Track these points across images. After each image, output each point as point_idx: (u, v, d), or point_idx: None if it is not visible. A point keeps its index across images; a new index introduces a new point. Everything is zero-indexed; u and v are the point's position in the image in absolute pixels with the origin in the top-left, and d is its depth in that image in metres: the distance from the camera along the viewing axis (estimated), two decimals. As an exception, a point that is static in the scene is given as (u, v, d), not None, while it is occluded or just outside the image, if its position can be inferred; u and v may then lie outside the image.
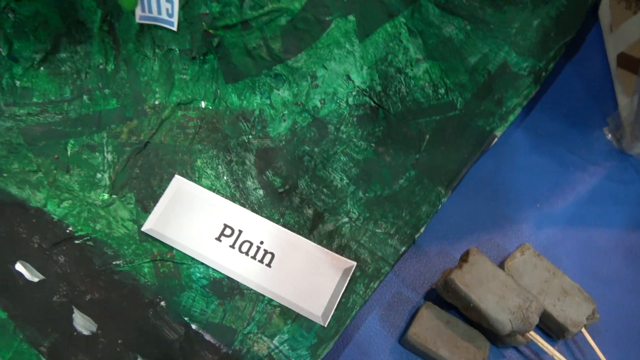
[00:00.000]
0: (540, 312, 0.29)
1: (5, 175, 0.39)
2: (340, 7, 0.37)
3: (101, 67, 0.42)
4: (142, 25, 0.40)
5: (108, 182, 0.39)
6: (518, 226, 0.35)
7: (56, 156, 0.40)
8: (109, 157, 0.39)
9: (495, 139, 0.38)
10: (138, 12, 0.39)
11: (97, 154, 0.40)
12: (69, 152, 0.40)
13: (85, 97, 0.42)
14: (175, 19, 0.38)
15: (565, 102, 0.40)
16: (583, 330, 0.30)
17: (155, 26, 0.40)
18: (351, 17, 0.38)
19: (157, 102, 0.41)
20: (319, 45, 0.38)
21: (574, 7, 0.42)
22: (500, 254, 0.34)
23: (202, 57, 0.39)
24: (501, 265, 0.32)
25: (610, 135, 0.39)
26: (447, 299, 0.30)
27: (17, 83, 0.42)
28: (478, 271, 0.29)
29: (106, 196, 0.38)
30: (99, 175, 0.39)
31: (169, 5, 0.38)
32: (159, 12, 0.39)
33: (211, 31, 0.37)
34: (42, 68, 0.43)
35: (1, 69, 0.42)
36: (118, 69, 0.41)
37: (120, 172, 0.39)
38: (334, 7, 0.37)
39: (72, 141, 0.40)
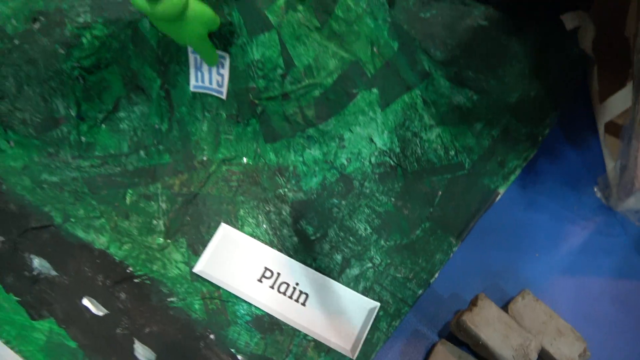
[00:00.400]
0: (538, 350, 0.34)
1: (72, 220, 0.45)
2: (366, 82, 0.44)
3: (157, 126, 0.48)
4: (194, 92, 0.46)
5: (163, 228, 0.44)
6: (519, 273, 0.41)
7: (117, 204, 0.46)
8: (163, 205, 0.45)
9: (499, 196, 0.44)
10: (192, 81, 0.46)
11: (153, 202, 0.46)
12: (127, 201, 0.46)
13: (141, 152, 0.48)
14: (224, 90, 0.45)
15: (560, 164, 0.46)
16: (576, 366, 0.35)
17: (206, 94, 0.46)
18: (374, 90, 0.44)
19: (205, 158, 0.47)
20: (346, 112, 0.45)
21: (566, 81, 0.49)
22: (504, 298, 0.39)
23: (246, 121, 0.46)
24: (505, 308, 0.37)
25: (599, 194, 0.44)
26: (460, 337, 0.35)
27: (83, 139, 0.49)
28: (486, 314, 0.34)
29: (161, 240, 0.44)
30: (154, 222, 0.45)
31: (219, 78, 0.45)
32: (210, 83, 0.45)
33: (256, 101, 0.44)
34: (103, 125, 0.49)
35: (70, 127, 0.48)
36: (171, 129, 0.48)
37: (173, 219, 0.45)
38: (360, 82, 0.44)
39: (130, 191, 0.47)
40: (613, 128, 0.46)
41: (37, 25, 0.45)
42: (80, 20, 0.45)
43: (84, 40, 0.45)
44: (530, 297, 0.37)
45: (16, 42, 0.45)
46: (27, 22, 0.45)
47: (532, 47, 0.50)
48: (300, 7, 0.39)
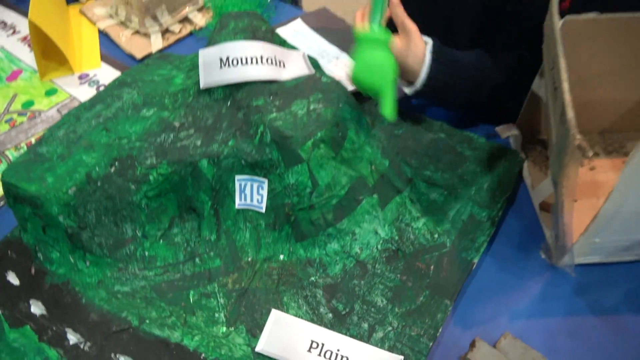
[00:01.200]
0: (523, 375, 0.47)
1: (147, 321, 0.56)
2: (368, 191, 0.59)
3: (207, 238, 0.61)
4: (238, 209, 0.60)
5: (224, 319, 0.56)
6: (499, 320, 0.55)
7: (183, 303, 0.57)
8: (222, 300, 0.57)
9: (474, 265, 0.60)
10: (237, 201, 0.60)
11: (212, 299, 0.57)
12: (191, 300, 0.58)
13: (196, 259, 0.60)
14: (263, 205, 0.59)
15: (512, 236, 0.62)
16: (550, 383, 0.49)
17: (248, 209, 0.60)
18: (375, 196, 0.60)
19: (250, 259, 0.60)
20: (356, 214, 0.60)
21: (508, 174, 0.66)
22: (492, 339, 0.53)
23: (281, 227, 0.60)
24: (494, 347, 0.51)
25: (544, 255, 0.61)
26: (466, 373, 0.48)
27: (146, 253, 0.61)
28: (483, 351, 0.48)
29: (224, 329, 0.55)
30: (216, 315, 0.56)
31: (259, 197, 0.59)
32: (252, 201, 0.60)
33: (290, 212, 0.58)
34: (161, 241, 0.61)
35: (136, 245, 0.60)
36: (220, 238, 0.61)
37: (231, 311, 0.56)
38: (364, 191, 0.59)
39: (192, 292, 0.58)
40: (545, 206, 0.64)
41: (113, 169, 0.59)
42: (148, 162, 0.59)
43: (151, 178, 0.59)
44: (510, 337, 0.51)
45: (99, 184, 0.58)
46: (107, 167, 0.58)
47: (480, 151, 0.69)
48: (322, 146, 0.55)
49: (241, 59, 0.59)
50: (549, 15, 0.51)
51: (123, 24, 0.93)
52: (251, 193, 0.59)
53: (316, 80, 0.60)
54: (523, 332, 0.55)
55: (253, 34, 0.62)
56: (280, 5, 0.97)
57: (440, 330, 0.54)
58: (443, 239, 0.60)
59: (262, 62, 0.59)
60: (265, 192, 0.59)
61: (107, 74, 0.86)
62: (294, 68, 0.61)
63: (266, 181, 0.58)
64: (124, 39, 0.91)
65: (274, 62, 0.60)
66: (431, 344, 0.53)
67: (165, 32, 0.92)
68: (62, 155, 0.59)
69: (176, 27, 0.92)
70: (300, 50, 0.64)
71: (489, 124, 0.75)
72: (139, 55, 0.88)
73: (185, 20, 0.93)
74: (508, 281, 0.59)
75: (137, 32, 0.92)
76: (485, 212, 0.63)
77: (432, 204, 0.63)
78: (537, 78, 0.62)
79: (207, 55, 0.60)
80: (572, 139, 0.43)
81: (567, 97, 0.45)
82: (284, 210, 0.58)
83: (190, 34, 0.92)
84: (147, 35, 0.91)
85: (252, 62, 0.59)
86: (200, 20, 0.93)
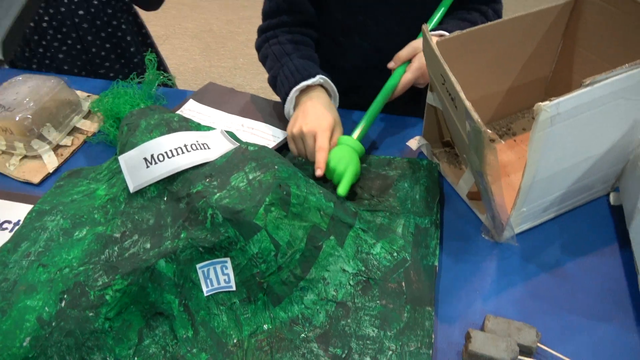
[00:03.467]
0: (515, 346, 0.53)
1: None
2: (325, 234, 0.62)
3: (184, 336, 0.59)
4: (207, 296, 0.59)
5: (233, 410, 0.54)
6: (475, 307, 0.61)
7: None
8: (223, 393, 0.55)
9: (436, 268, 0.65)
10: (205, 289, 0.59)
11: (213, 395, 0.55)
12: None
13: (180, 362, 0.58)
14: (232, 283, 0.59)
15: (454, 230, 0.69)
16: (539, 344, 0.54)
17: (217, 293, 0.60)
18: (332, 238, 0.63)
19: (235, 341, 0.59)
20: (320, 260, 0.62)
21: (431, 180, 0.74)
22: (478, 324, 0.58)
23: (256, 298, 0.60)
24: (482, 329, 0.56)
25: (486, 237, 0.68)
26: (472, 364, 0.53)
27: (125, 379, 0.57)
28: (480, 339, 0.52)
29: (237, 419, 0.53)
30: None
31: (225, 277, 0.59)
32: (219, 284, 0.59)
33: (262, 281, 0.59)
34: (136, 358, 0.58)
35: (111, 374, 0.56)
36: (197, 332, 0.59)
37: (237, 399, 0.55)
38: (322, 236, 0.62)
39: (188, 397, 0.56)
40: (472, 195, 0.72)
41: (64, 304, 0.55)
42: (99, 283, 0.56)
43: (108, 297, 0.56)
44: (492, 317, 0.57)
45: (53, 324, 0.54)
46: (57, 304, 0.54)
47: (401, 169, 0.76)
48: (273, 209, 0.57)
49: (166, 153, 0.59)
50: (425, 42, 0.59)
51: (6, 152, 0.87)
52: (216, 276, 0.59)
53: (244, 152, 0.62)
54: (497, 308, 0.61)
55: (168, 127, 0.63)
56: (166, 92, 0.99)
57: (433, 337, 0.58)
58: (402, 255, 0.65)
59: (187, 149, 0.60)
60: (230, 271, 0.59)
61: (8, 210, 0.79)
62: (217, 146, 0.63)
63: (228, 260, 0.58)
64: (13, 167, 0.85)
65: (197, 146, 0.61)
66: (430, 351, 0.56)
67: (57, 148, 0.87)
68: (1, 309, 0.53)
69: (67, 141, 0.88)
70: (217, 129, 0.66)
71: (396, 142, 0.83)
72: (36, 180, 0.83)
73: (75, 130, 0.90)
74: (467, 270, 0.65)
75: (25, 157, 0.86)
76: (427, 219, 0.69)
77: (380, 227, 0.68)
78: (429, 93, 0.71)
79: (129, 159, 0.60)
80: (485, 135, 0.50)
81: (467, 103, 0.53)
82: (255, 280, 0.58)
83: (85, 142, 0.89)
84: (38, 157, 0.86)
85: (177, 152, 0.59)
86: (90, 127, 0.91)
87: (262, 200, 0.57)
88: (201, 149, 0.61)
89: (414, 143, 0.78)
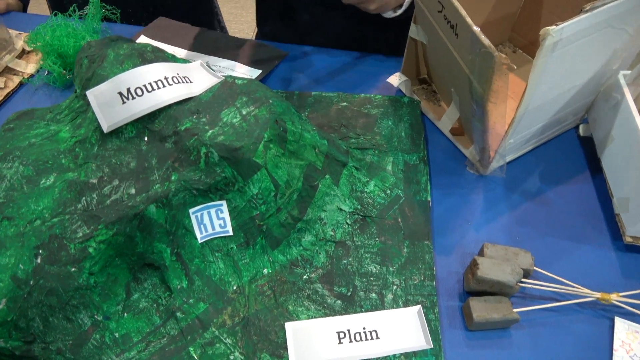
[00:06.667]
0: (519, 269, 0.55)
1: (160, 402, 0.49)
2: (320, 174, 0.60)
3: (179, 286, 0.55)
4: (202, 243, 0.55)
5: (242, 356, 0.51)
6: (471, 237, 0.62)
7: (188, 365, 0.51)
8: (229, 340, 0.52)
9: (429, 202, 0.65)
10: (198, 236, 0.55)
11: (218, 344, 0.52)
12: (196, 357, 0.51)
13: (177, 314, 0.54)
14: (229, 228, 0.55)
15: (440, 165, 0.70)
16: (536, 268, 0.57)
17: (212, 239, 0.55)
18: (327, 176, 0.60)
19: (235, 287, 0.56)
20: (316, 200, 0.60)
21: (414, 117, 0.73)
22: (473, 253, 0.60)
23: (254, 242, 0.56)
24: (481, 254, 0.57)
25: (472, 170, 0.69)
26: (477, 289, 0.54)
27: (116, 335, 0.52)
28: (486, 265, 0.53)
29: (248, 365, 0.51)
30: (232, 357, 0.51)
31: (221, 221, 0.55)
32: (214, 229, 0.55)
33: (261, 223, 0.55)
34: (125, 314, 0.53)
35: (101, 331, 0.51)
36: (192, 282, 0.55)
37: (245, 345, 0.52)
38: (317, 175, 0.59)
39: (191, 348, 0.52)
40: (455, 131, 0.72)
41: (40, 260, 0.48)
42: (79, 235, 0.50)
43: (91, 250, 0.50)
44: (490, 244, 0.58)
45: (31, 282, 0.47)
46: (32, 260, 0.48)
47: (383, 107, 0.74)
48: (271, 146, 0.53)
49: (145, 87, 0.52)
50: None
51: None
52: (211, 221, 0.55)
53: (231, 85, 0.57)
54: (489, 236, 0.62)
55: (142, 58, 0.55)
56: (113, 27, 0.88)
57: (435, 268, 0.58)
58: (396, 192, 0.64)
59: (169, 83, 0.53)
60: (226, 214, 0.54)
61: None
62: (200, 80, 0.57)
63: (224, 203, 0.54)
64: None
65: (179, 80, 0.54)
66: (434, 283, 0.57)
67: (-13, 91, 0.75)
68: (-35, 271, 0.46)
69: (-1, 82, 0.76)
70: (196, 61, 0.60)
71: (373, 82, 0.81)
72: (-34, 128, 0.71)
73: (7, 71, 0.78)
74: (456, 203, 0.66)
75: (-53, 102, 0.74)
76: (414, 156, 0.68)
77: (371, 165, 0.66)
78: (412, 26, 0.69)
79: (100, 95, 0.52)
80: (499, 60, 0.49)
81: (476, 28, 0.51)
82: (255, 223, 0.55)
83: (21, 85, 0.77)
84: (-36, 102, 0.73)
85: (158, 86, 0.53)
86: (26, 67, 0.79)
87: (260, 136, 0.52)
88: (183, 82, 0.55)
89: (394, 80, 0.76)
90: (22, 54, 0.80)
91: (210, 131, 0.52)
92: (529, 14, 0.83)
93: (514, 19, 0.85)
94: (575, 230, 0.64)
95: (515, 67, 0.80)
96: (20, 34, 0.83)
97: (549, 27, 0.50)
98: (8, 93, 0.76)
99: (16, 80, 0.77)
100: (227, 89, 0.56)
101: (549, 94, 0.61)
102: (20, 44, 0.80)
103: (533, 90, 0.56)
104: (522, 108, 0.58)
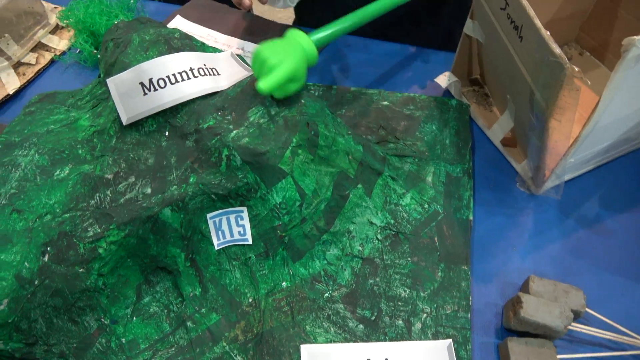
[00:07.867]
0: (569, 312, 0.48)
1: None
2: (352, 183, 0.54)
3: (191, 294, 0.51)
4: (218, 250, 0.51)
5: (252, 377, 0.48)
6: (512, 265, 0.56)
7: (195, 381, 0.48)
8: (239, 358, 0.49)
9: (471, 222, 0.59)
10: (215, 242, 0.51)
11: (228, 361, 0.49)
12: (204, 372, 0.48)
13: (188, 323, 0.50)
14: (248, 236, 0.51)
15: (486, 179, 0.63)
16: (588, 309, 0.50)
17: (229, 246, 0.51)
18: (359, 186, 0.55)
19: (250, 300, 0.52)
20: (345, 211, 0.55)
21: (462, 124, 0.66)
22: (516, 284, 0.53)
23: (274, 253, 0.52)
24: (523, 290, 0.51)
25: (522, 188, 0.62)
26: (519, 329, 0.48)
27: (123, 340, 0.49)
28: (531, 304, 0.47)
29: (257, 388, 0.47)
30: (241, 376, 0.48)
31: (240, 229, 0.51)
32: (232, 236, 0.51)
33: (283, 234, 0.51)
34: (134, 319, 0.50)
35: (107, 335, 0.49)
36: (206, 290, 0.51)
37: (256, 365, 0.48)
38: (348, 184, 0.54)
39: (199, 363, 0.49)
40: (507, 142, 0.65)
41: (47, 258, 0.46)
42: (90, 234, 0.47)
43: (101, 251, 0.47)
44: (536, 278, 0.51)
45: (36, 282, 0.44)
46: (39, 258, 0.45)
47: (428, 108, 0.67)
48: (300, 152, 0.48)
49: (169, 78, 0.48)
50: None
51: (-45, 70, 0.73)
52: (230, 227, 0.51)
53: (262, 80, 0.52)
54: (535, 266, 0.56)
55: (168, 45, 0.51)
56: (149, 5, 0.84)
57: (471, 299, 0.52)
58: (434, 207, 0.58)
59: (194, 75, 0.49)
60: (246, 222, 0.50)
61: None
62: (229, 72, 0.52)
63: (245, 209, 0.50)
64: (-35, 88, 0.71)
65: (206, 71, 0.50)
66: (469, 315, 0.51)
67: (18, 65, 0.73)
68: (-33, 265, 0.44)
69: (31, 58, 0.74)
70: (227, 51, 0.55)
71: (419, 79, 0.74)
72: (-6, 102, 0.69)
73: (39, 46, 0.76)
74: (501, 224, 0.59)
75: (-21, 75, 0.72)
76: (458, 167, 0.62)
77: (409, 175, 0.60)
78: (468, 22, 0.62)
79: (121, 84, 0.48)
80: (570, 72, 0.42)
81: (545, 33, 0.44)
82: (276, 234, 0.50)
83: (52, 62, 0.75)
84: (-5, 76, 0.72)
85: (182, 78, 0.48)
86: (58, 43, 0.76)
87: (288, 140, 0.47)
88: (210, 74, 0.50)
89: (443, 80, 0.69)
90: (56, 29, 0.78)
91: (235, 131, 0.48)
92: (602, 13, 0.73)
93: (584, 17, 0.76)
94: (637, 268, 0.56)
95: (590, 82, 0.71)
96: (55, 7, 0.80)
97: (634, 37, 0.42)
98: (39, 70, 0.74)
99: (48, 57, 0.75)
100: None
101: (623, 110, 0.53)
102: (54, 18, 0.77)
103: (606, 107, 0.48)
104: (590, 125, 0.50)
